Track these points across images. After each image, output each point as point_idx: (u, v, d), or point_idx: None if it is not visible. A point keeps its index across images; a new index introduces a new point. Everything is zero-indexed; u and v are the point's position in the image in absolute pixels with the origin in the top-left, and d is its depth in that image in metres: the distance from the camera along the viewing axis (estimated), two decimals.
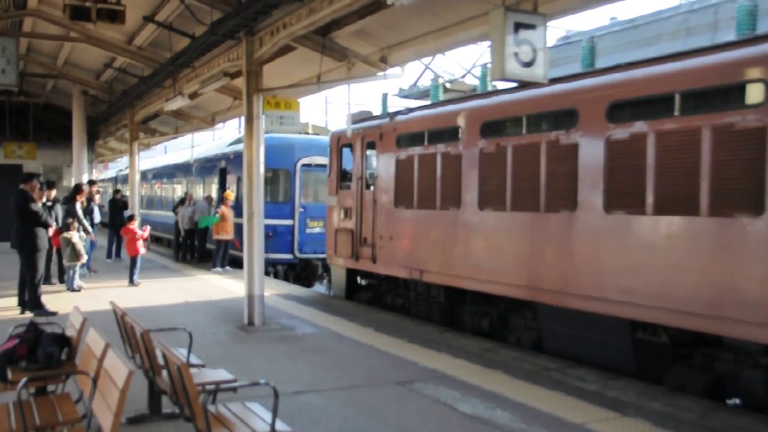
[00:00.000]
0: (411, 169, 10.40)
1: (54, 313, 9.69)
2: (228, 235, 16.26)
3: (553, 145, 7.78)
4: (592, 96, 7.41)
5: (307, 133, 17.00)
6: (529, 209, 8.07)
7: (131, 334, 5.29)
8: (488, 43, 10.15)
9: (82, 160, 20.82)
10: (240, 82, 11.29)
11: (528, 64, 6.22)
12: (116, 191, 20.56)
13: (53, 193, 12.18)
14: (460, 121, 9.41)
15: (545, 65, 6.32)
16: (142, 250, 13.63)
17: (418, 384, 6.56)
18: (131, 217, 13.95)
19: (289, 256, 16.09)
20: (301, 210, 16.24)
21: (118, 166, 41.00)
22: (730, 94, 6.08)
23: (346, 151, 12.64)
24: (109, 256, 18.08)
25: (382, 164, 11.17)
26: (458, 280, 9.34)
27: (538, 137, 7.98)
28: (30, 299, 9.95)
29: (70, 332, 5.36)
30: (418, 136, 10.35)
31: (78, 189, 13.73)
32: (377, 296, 11.87)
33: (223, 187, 18.94)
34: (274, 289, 13.11)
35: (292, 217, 16.23)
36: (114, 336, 5.36)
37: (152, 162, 30.38)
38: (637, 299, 6.73)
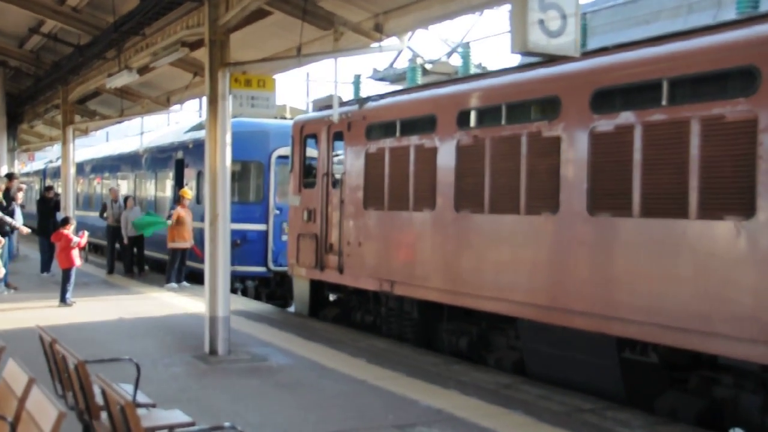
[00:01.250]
0: (381, 165, 10.76)
1: None
2: (185, 242, 16.28)
3: (535, 137, 8.24)
4: (574, 84, 7.86)
5: (285, 118, 17.02)
6: (509, 211, 8.52)
7: (62, 367, 5.29)
8: (504, 8, 10.20)
9: (1, 149, 20.84)
10: (202, 54, 11.29)
11: (555, 34, 6.26)
12: (47, 188, 20.53)
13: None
14: (435, 110, 9.84)
15: (577, 35, 6.36)
16: (77, 261, 13.63)
17: (420, 428, 6.56)
18: (65, 221, 13.94)
19: (261, 269, 16.10)
20: (277, 212, 16.26)
21: (48, 156, 40.94)
22: (717, 82, 6.62)
23: (311, 142, 12.96)
24: (44, 270, 18.08)
25: (350, 159, 11.54)
26: (432, 293, 9.73)
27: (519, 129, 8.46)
28: None
29: None
30: (390, 127, 10.71)
31: None
32: (346, 312, 12.21)
33: (179, 182, 18.96)
34: (242, 310, 13.14)
35: (266, 221, 16.25)
36: (40, 369, 5.36)
37: (91, 152, 30.39)
38: (623, 314, 7.15)
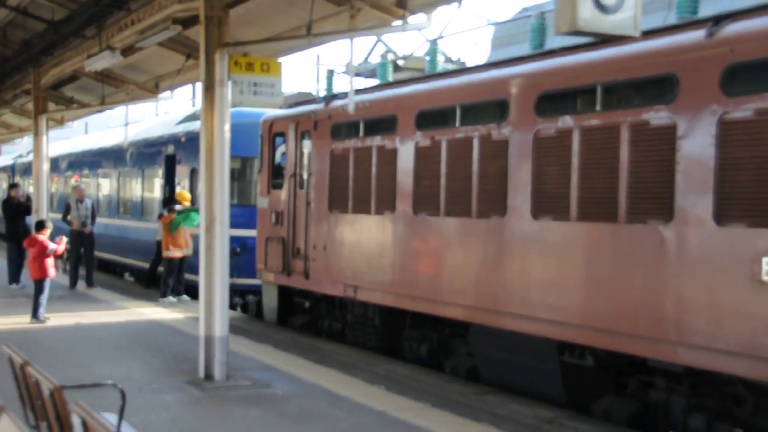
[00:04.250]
0: (346, 166, 11.91)
1: None
2: (181, 250, 16.36)
3: (486, 140, 9.38)
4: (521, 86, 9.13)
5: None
6: (461, 214, 9.70)
7: (35, 393, 5.32)
8: None
9: None
10: (196, 33, 11.34)
11: (611, 9, 6.21)
12: (12, 185, 20.62)
13: None
14: (395, 110, 11.00)
15: (638, 10, 6.30)
16: (52, 271, 13.73)
17: None
18: (41, 225, 14.04)
19: None
20: None
21: (17, 150, 41.18)
22: (645, 88, 7.89)
23: (280, 141, 14.02)
24: (13, 280, 18.19)
25: (316, 159, 12.73)
26: (392, 298, 10.92)
27: (472, 131, 9.62)
28: None
29: None
30: (353, 126, 11.88)
31: None
32: (314, 320, 13.35)
33: (170, 181, 19.06)
34: (240, 327, 13.18)
35: None
36: (9, 395, 5.41)
37: (67, 145, 30.62)
38: (561, 317, 8.30)
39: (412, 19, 10.03)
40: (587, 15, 6.11)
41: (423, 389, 9.34)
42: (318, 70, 33.75)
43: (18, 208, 18.73)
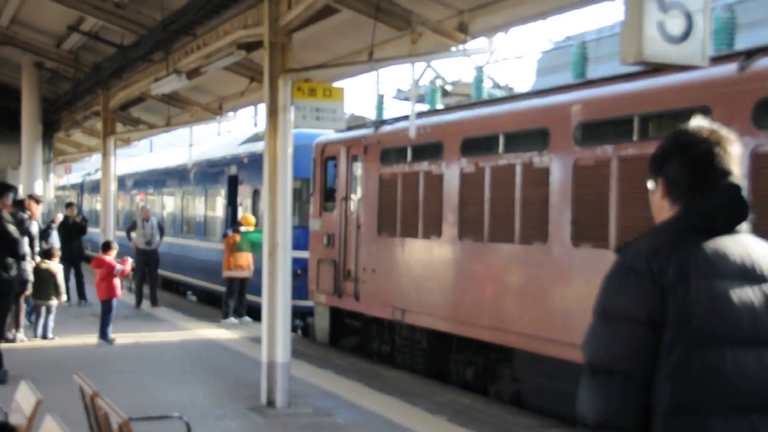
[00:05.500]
0: (394, 191, 12.41)
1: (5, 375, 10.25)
2: (242, 270, 16.49)
3: (527, 167, 9.86)
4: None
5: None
6: (505, 240, 10.04)
7: (104, 425, 5.39)
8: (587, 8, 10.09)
9: (35, 160, 21.25)
10: (259, 57, 11.46)
11: (678, 39, 6.11)
12: (68, 204, 20.95)
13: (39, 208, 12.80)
14: (441, 136, 11.51)
15: (706, 39, 6.20)
16: (119, 291, 13.96)
17: None
18: (107, 246, 14.30)
19: None
20: None
21: (85, 167, 41.83)
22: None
23: (331, 164, 14.49)
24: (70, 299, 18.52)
25: (366, 183, 13.19)
26: (438, 322, 11.25)
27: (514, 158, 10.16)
28: None
29: (17, 419, 5.48)
30: (402, 152, 12.35)
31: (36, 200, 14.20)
32: (364, 341, 13.61)
33: (232, 201, 19.27)
34: (300, 351, 13.23)
35: None
36: (79, 426, 5.48)
37: (133, 164, 31.16)
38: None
39: (473, 44, 10.03)
40: (654, 45, 6.00)
41: (485, 420, 9.24)
42: (378, 90, 33.94)
43: (72, 228, 18.94)
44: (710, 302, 2.38)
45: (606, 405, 2.37)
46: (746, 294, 2.42)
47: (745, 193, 2.53)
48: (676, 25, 6.09)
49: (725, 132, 2.61)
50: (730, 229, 2.51)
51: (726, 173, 2.54)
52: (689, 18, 6.16)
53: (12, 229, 10.50)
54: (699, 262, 2.42)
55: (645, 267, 2.40)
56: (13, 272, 10.53)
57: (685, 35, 6.14)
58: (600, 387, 2.39)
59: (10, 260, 10.43)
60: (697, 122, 2.65)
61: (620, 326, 2.40)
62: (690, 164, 2.56)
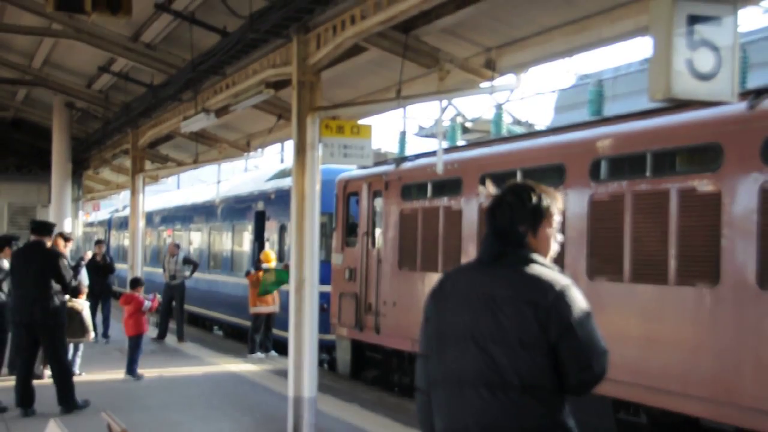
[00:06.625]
0: (414, 226, 12.70)
1: (87, 402, 10.77)
2: (268, 306, 16.51)
3: None
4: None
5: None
6: None
7: None
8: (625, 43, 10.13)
9: (65, 198, 21.33)
10: (287, 94, 11.57)
11: (707, 76, 6.10)
12: (97, 242, 21.06)
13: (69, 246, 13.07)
14: (461, 173, 11.75)
15: (735, 75, 6.19)
16: (147, 327, 14.01)
17: None
18: (136, 282, 14.38)
19: None
20: None
21: (113, 204, 42.23)
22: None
23: (354, 200, 14.91)
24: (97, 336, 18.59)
25: (387, 218, 13.53)
26: None
27: None
28: (66, 394, 10.65)
29: None
30: (422, 188, 12.72)
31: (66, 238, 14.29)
32: (385, 373, 13.85)
33: (259, 236, 19.33)
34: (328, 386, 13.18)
35: None
36: None
37: (161, 200, 31.38)
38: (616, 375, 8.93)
39: (500, 81, 10.08)
40: (683, 82, 5.98)
41: None
42: (404, 126, 34.01)
43: (96, 266, 18.90)
44: None
45: None
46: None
47: None
48: (704, 61, 6.09)
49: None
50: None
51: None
52: (719, 56, 6.16)
53: (67, 267, 10.92)
54: None
55: None
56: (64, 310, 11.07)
57: (714, 73, 6.14)
58: None
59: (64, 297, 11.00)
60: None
61: None
62: None
